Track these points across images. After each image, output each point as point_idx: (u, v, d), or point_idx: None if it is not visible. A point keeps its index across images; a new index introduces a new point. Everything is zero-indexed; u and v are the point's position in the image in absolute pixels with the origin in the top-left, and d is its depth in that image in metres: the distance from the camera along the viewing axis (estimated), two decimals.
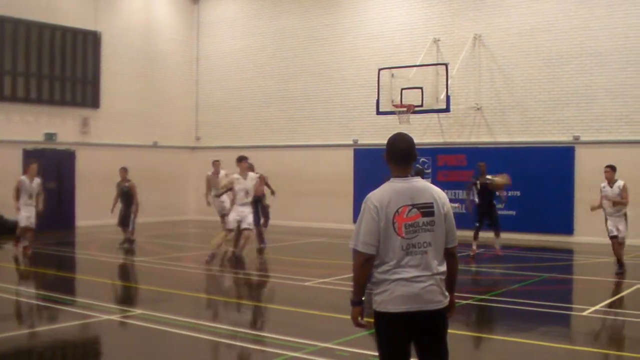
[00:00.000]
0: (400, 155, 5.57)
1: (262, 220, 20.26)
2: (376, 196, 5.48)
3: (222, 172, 21.22)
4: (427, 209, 5.43)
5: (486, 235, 19.71)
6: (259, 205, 19.73)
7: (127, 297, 14.29)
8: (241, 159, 17.90)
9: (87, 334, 10.89)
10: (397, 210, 5.37)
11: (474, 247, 18.78)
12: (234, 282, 15.93)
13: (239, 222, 17.47)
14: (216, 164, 21.85)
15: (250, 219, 17.60)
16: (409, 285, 5.35)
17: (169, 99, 31.32)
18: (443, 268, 5.51)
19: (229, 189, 18.16)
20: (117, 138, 28.82)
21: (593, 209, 16.60)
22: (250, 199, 17.77)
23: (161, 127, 30.78)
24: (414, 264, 5.37)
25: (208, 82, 32.14)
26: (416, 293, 5.35)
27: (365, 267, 5.45)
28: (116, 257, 19.18)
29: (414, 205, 5.41)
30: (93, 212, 25.99)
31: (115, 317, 11.67)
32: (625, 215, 16.05)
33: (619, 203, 15.83)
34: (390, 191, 5.46)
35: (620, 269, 15.92)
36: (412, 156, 5.60)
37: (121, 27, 29.59)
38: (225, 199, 20.11)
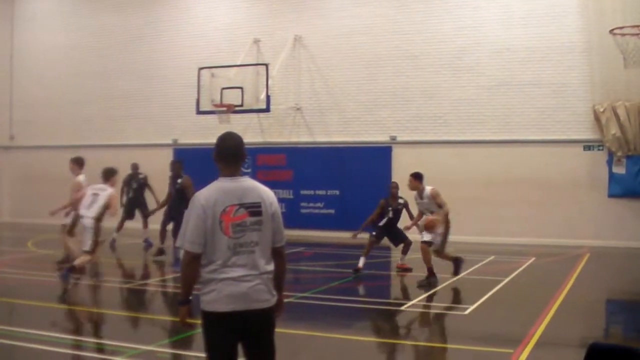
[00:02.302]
0: (228, 154, 5.57)
1: None
2: (203, 195, 5.46)
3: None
4: (254, 209, 5.45)
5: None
6: None
7: None
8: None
9: None
10: (224, 210, 5.37)
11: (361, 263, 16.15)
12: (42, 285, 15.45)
13: None
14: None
15: None
16: (236, 284, 5.35)
17: None
18: (270, 267, 5.55)
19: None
20: None
21: (407, 228, 15.90)
22: None
23: None
24: (241, 263, 5.38)
25: (23, 78, 30.86)
26: (243, 292, 5.36)
27: (192, 266, 5.42)
28: None
29: (241, 205, 5.42)
30: None
31: None
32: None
33: (432, 224, 14.33)
34: (218, 190, 5.45)
35: (428, 280, 14.59)
36: (241, 155, 5.60)
37: None
38: None
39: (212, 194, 5.45)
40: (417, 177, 14.86)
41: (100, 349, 9.73)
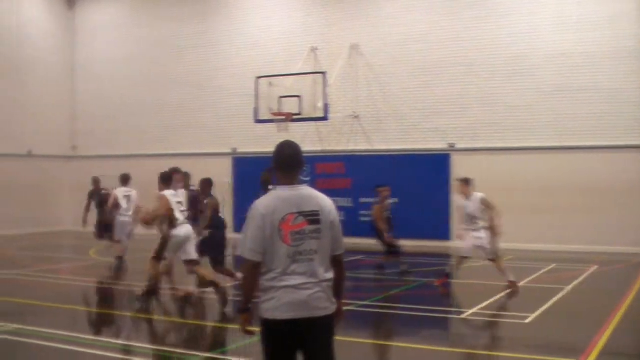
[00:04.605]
0: (286, 163, 5.58)
1: None
2: (262, 204, 5.47)
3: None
4: (313, 217, 5.45)
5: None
6: None
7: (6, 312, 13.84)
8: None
9: None
10: (283, 218, 5.38)
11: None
12: (111, 294, 15.64)
13: None
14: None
15: None
16: (296, 292, 5.36)
17: (44, 106, 30.44)
18: (330, 275, 5.54)
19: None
20: None
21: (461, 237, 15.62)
22: None
23: (35, 136, 29.89)
24: (300, 271, 5.38)
25: (85, 89, 31.50)
26: (303, 300, 5.36)
27: (252, 274, 5.44)
28: None
29: (300, 213, 5.42)
30: None
31: None
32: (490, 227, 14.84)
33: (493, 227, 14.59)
34: (277, 199, 5.47)
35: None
36: (299, 164, 5.61)
37: None
38: None
39: (271, 202, 5.46)
40: (466, 182, 15.11)
41: (162, 355, 9.81)
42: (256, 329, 5.56)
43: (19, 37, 29.87)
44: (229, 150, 27.40)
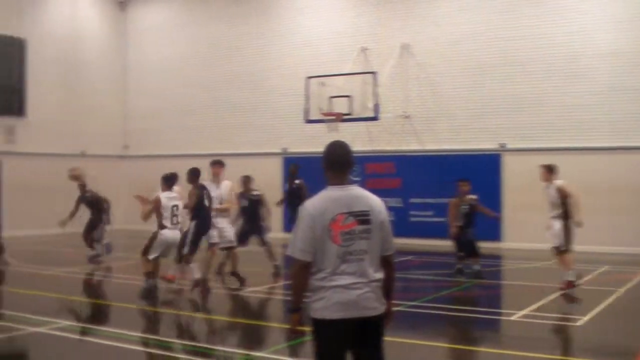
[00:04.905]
0: (337, 163, 5.60)
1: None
2: (312, 204, 5.50)
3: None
4: (363, 217, 5.46)
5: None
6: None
7: (55, 309, 14.01)
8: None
9: (15, 347, 10.71)
10: (333, 218, 5.40)
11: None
12: (163, 293, 15.77)
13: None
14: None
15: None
16: (346, 292, 5.38)
17: (97, 107, 30.91)
18: (379, 275, 5.55)
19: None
20: (44, 147, 28.35)
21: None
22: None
23: (89, 136, 30.33)
24: (350, 271, 5.40)
25: (136, 90, 31.90)
26: (352, 300, 5.38)
27: (302, 274, 5.47)
28: (45, 268, 18.73)
29: (350, 213, 5.43)
30: (19, 222, 25.42)
31: (43, 330, 11.46)
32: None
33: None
34: (327, 199, 5.49)
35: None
36: (349, 163, 5.63)
37: (46, 34, 29.19)
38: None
39: (321, 202, 5.48)
40: (548, 169, 14.85)
41: (211, 354, 9.87)
42: (306, 328, 5.58)
43: (73, 39, 30.32)
44: (279, 150, 27.49)
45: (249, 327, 12.20)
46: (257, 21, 28.62)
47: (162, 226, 13.89)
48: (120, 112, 32.15)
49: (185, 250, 14.18)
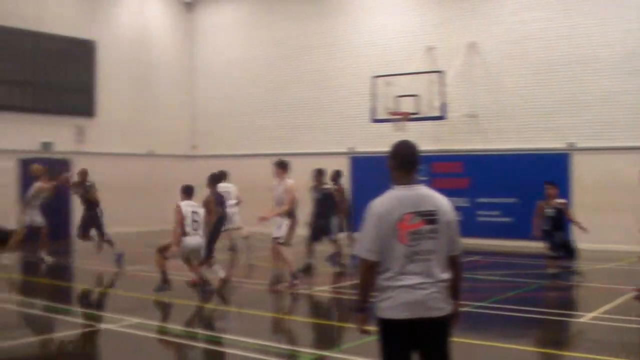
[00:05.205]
0: (405, 162, 5.60)
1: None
2: (379, 203, 5.50)
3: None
4: (430, 217, 5.45)
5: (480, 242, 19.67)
6: None
7: (130, 307, 14.20)
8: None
9: (88, 343, 10.89)
10: (400, 218, 5.39)
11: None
12: (234, 290, 15.88)
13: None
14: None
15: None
16: (412, 292, 5.37)
17: (165, 107, 31.34)
18: (446, 275, 5.53)
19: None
20: (113, 147, 28.83)
21: None
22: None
23: (157, 136, 30.76)
24: (417, 271, 5.39)
25: (204, 90, 32.24)
26: (419, 300, 5.37)
27: (369, 274, 5.48)
28: (112, 266, 18.98)
29: (417, 213, 5.42)
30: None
31: (114, 327, 11.63)
32: None
33: None
34: (394, 198, 5.48)
35: None
36: (416, 163, 5.62)
37: (116, 36, 29.69)
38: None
39: (388, 202, 5.48)
40: None
41: (277, 353, 9.91)
42: (372, 328, 5.58)
43: (142, 41, 30.79)
44: (345, 150, 27.50)
45: (315, 326, 12.23)
46: (325, 21, 28.67)
47: (184, 233, 14.38)
48: (188, 112, 32.51)
49: (204, 253, 14.94)
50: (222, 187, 19.52)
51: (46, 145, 26.84)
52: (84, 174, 19.71)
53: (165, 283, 14.40)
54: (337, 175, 19.15)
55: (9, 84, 26.40)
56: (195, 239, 14.54)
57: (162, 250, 14.55)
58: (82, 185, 19.46)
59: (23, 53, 26.63)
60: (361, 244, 5.48)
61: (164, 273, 14.42)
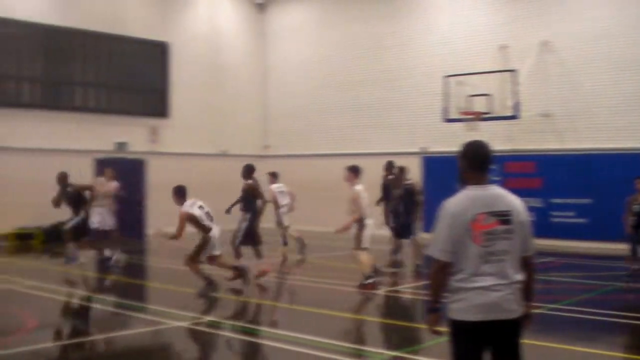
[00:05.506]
0: (478, 162, 5.56)
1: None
2: (453, 204, 5.47)
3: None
4: (504, 217, 5.40)
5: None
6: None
7: (199, 304, 14.36)
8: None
9: (157, 340, 11.04)
10: (474, 218, 5.36)
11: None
12: (306, 290, 15.92)
13: None
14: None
15: None
16: (486, 294, 5.33)
17: (237, 107, 31.66)
18: (520, 277, 5.47)
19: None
20: (186, 147, 29.22)
21: None
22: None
23: (229, 136, 31.08)
24: (491, 272, 5.35)
25: (276, 90, 32.47)
26: (493, 302, 5.33)
27: (441, 274, 5.46)
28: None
29: (491, 213, 5.38)
30: (162, 220, 26.08)
31: (184, 324, 11.76)
32: None
33: None
34: (467, 198, 5.45)
35: None
36: (489, 163, 5.59)
37: (189, 38, 30.07)
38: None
39: (461, 202, 5.45)
40: None
41: (345, 352, 9.91)
42: (444, 329, 5.55)
43: (214, 42, 31.14)
44: (417, 150, 27.37)
45: (388, 326, 12.21)
46: (396, 21, 28.60)
47: (207, 229, 14.48)
48: (260, 112, 32.76)
49: (237, 242, 15.87)
50: (276, 187, 20.09)
51: (121, 146, 27.30)
52: (63, 177, 18.81)
53: (210, 284, 14.43)
54: (402, 171, 19.12)
55: (85, 86, 26.99)
56: (217, 228, 14.71)
57: (193, 258, 14.63)
58: (64, 188, 18.65)
59: (98, 55, 27.22)
60: (434, 244, 5.46)
61: (205, 277, 14.49)
